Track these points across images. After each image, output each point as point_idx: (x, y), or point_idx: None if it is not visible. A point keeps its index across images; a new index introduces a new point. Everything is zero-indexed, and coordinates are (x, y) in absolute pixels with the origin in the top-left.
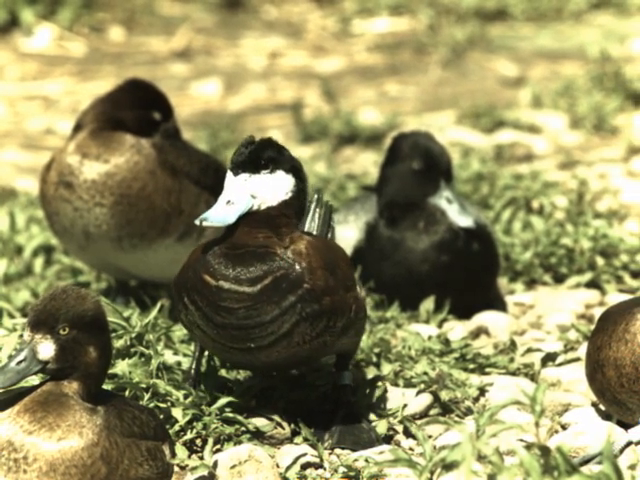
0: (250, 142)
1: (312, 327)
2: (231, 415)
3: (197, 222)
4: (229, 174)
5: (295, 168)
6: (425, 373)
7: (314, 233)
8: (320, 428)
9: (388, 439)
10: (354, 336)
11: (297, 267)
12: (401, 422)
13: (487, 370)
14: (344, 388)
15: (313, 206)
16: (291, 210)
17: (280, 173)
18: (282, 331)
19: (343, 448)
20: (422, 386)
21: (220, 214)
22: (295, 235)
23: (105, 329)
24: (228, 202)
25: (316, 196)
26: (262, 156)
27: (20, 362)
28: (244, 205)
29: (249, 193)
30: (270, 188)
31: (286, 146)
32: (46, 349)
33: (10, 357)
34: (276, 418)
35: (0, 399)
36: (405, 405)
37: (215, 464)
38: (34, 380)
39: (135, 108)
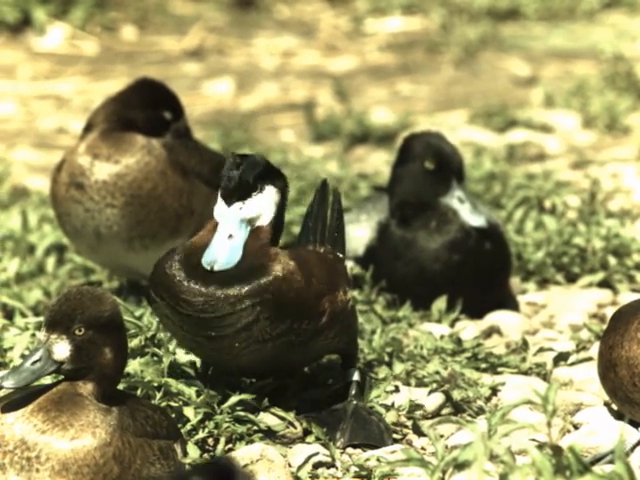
0: (236, 164)
1: (272, 326)
2: (243, 414)
3: (207, 266)
4: (221, 203)
5: (281, 184)
6: (437, 372)
7: (327, 219)
8: (332, 427)
9: (400, 438)
10: (339, 336)
11: (264, 271)
12: (408, 417)
13: (499, 370)
14: (351, 385)
15: (322, 194)
16: (272, 232)
17: (268, 188)
18: (240, 325)
19: (355, 445)
20: (434, 385)
21: (227, 255)
22: (269, 244)
23: (121, 330)
24: (230, 236)
25: (325, 185)
26: (251, 178)
27: (35, 362)
28: (244, 235)
29: (246, 220)
30: (262, 207)
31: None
32: (61, 349)
33: (25, 357)
34: (288, 417)
35: (15, 398)
36: (414, 402)
37: None
38: (46, 380)
39: (146, 108)
